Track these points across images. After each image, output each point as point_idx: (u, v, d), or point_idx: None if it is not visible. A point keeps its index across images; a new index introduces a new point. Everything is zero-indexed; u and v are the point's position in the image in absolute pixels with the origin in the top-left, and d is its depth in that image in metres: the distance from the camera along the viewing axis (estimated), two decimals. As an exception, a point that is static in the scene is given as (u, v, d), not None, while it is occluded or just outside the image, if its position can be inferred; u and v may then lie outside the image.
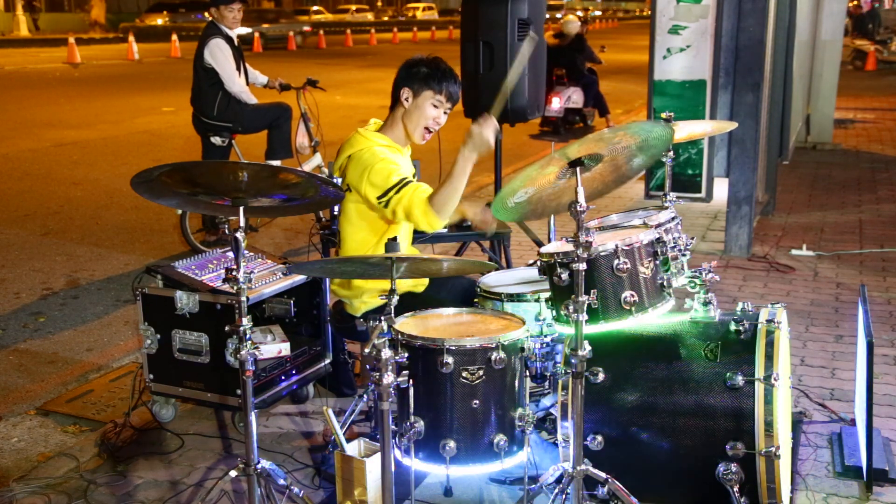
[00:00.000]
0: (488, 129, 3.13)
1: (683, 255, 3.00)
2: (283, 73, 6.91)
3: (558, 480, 2.76)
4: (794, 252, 6.07)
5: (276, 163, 6.43)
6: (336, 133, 6.42)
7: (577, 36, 12.31)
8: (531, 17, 4.61)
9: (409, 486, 2.81)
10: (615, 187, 2.95)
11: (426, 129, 3.44)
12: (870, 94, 16.21)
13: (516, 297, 3.27)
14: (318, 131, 6.70)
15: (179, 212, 6.26)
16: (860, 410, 3.31)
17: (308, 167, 6.50)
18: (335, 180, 3.64)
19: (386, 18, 55.21)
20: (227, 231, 6.38)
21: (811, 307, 5.03)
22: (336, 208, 4.25)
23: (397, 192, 3.24)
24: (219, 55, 6.16)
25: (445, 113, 3.46)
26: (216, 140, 6.27)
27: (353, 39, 33.28)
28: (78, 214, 7.74)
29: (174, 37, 27.25)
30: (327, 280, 3.87)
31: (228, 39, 6.23)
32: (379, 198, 3.29)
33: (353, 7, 55.50)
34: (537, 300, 3.22)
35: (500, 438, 2.77)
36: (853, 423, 3.57)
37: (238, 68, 6.28)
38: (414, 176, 3.43)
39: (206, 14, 6.42)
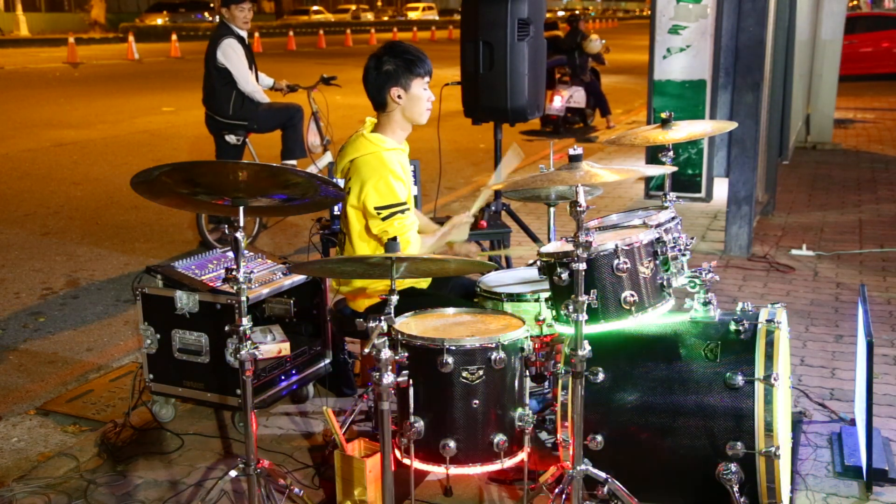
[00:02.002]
0: (465, 227, 3.66)
1: (683, 255, 3.00)
2: (283, 72, 6.93)
3: (558, 480, 2.76)
4: (794, 252, 6.07)
5: (293, 163, 6.55)
6: (338, 133, 6.44)
7: (576, 30, 12.31)
8: (531, 17, 4.61)
9: (409, 486, 2.81)
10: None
11: (427, 109, 3.51)
12: (870, 94, 16.21)
13: (516, 297, 3.27)
14: (329, 130, 6.77)
15: None
16: (860, 410, 3.31)
17: (320, 165, 6.57)
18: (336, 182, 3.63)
19: (386, 18, 55.24)
20: (226, 231, 6.42)
21: (811, 307, 5.03)
22: (336, 208, 4.25)
23: (402, 213, 3.32)
24: (232, 55, 6.22)
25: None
26: (231, 138, 6.35)
27: (353, 39, 33.29)
28: (78, 214, 7.74)
29: (174, 37, 27.25)
30: (328, 280, 3.87)
31: (240, 39, 6.30)
32: (379, 208, 3.30)
33: (353, 7, 55.56)
34: (537, 300, 3.22)
35: (500, 438, 2.77)
36: (853, 423, 3.57)
37: (249, 68, 6.34)
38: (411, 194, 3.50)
39: (206, 14, 6.46)
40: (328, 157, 6.73)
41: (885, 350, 4.36)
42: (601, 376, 2.81)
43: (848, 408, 3.74)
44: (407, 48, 3.43)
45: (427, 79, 3.45)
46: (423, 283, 3.60)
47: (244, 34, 6.34)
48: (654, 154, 5.97)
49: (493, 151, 5.02)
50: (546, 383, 3.42)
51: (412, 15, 56.29)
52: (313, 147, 6.72)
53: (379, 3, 63.34)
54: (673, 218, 3.08)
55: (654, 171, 3.20)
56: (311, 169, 6.54)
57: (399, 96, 3.39)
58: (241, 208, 2.64)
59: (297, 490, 2.93)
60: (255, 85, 6.31)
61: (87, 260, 6.40)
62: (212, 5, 41.27)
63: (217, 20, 6.41)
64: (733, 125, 3.68)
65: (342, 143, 3.55)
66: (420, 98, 3.42)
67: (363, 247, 3.44)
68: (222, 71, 6.23)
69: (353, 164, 3.39)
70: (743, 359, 2.80)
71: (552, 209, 3.86)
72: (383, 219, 3.30)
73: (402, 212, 3.32)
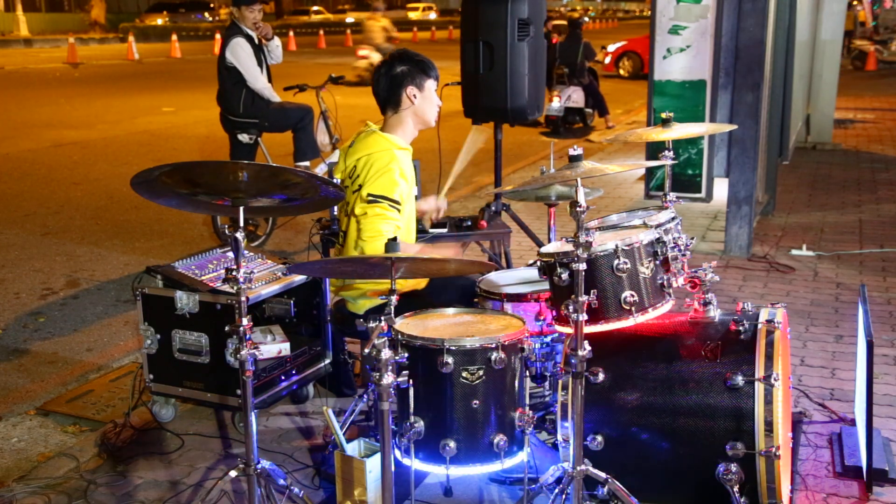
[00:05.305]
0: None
1: (683, 255, 3.00)
2: (284, 72, 6.96)
3: (558, 480, 2.76)
4: (794, 252, 6.07)
5: (306, 164, 6.64)
6: (346, 131, 6.46)
7: (576, 32, 12.32)
8: (531, 17, 4.61)
9: (409, 486, 2.81)
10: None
11: (436, 112, 3.63)
12: (870, 94, 16.20)
13: (516, 297, 3.27)
14: (338, 128, 6.84)
15: None
16: (860, 410, 3.31)
17: (329, 163, 6.62)
18: (336, 181, 3.64)
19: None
20: (225, 230, 6.44)
21: (811, 307, 5.03)
22: (336, 208, 4.25)
23: (390, 206, 3.36)
24: (240, 54, 6.32)
25: None
26: (243, 137, 6.45)
27: (353, 39, 33.28)
28: (78, 214, 7.74)
29: (174, 37, 27.23)
30: (327, 280, 3.87)
31: (249, 38, 6.39)
32: (372, 194, 3.36)
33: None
34: (537, 300, 3.22)
35: (500, 438, 2.77)
36: (853, 423, 3.57)
37: (259, 66, 6.42)
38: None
39: (206, 14, 6.53)
40: (337, 156, 6.79)
41: (885, 350, 4.36)
42: (601, 376, 2.81)
43: (848, 408, 3.74)
44: (416, 54, 3.56)
45: (436, 81, 3.57)
46: (422, 283, 3.60)
47: (254, 34, 6.45)
48: (654, 153, 5.97)
49: (493, 151, 5.02)
50: (546, 383, 3.42)
51: (412, 15, 56.26)
52: (322, 146, 6.87)
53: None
54: (673, 218, 3.08)
55: (654, 163, 3.29)
56: (321, 167, 6.59)
57: (414, 95, 3.49)
58: (241, 208, 2.64)
59: (297, 490, 2.93)
60: (264, 82, 6.41)
61: (87, 260, 6.40)
62: (212, 5, 41.25)
63: (216, 20, 6.49)
64: (731, 127, 3.70)
65: (348, 141, 3.58)
66: (431, 98, 3.54)
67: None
68: (232, 70, 6.34)
69: (363, 161, 3.42)
70: (743, 359, 2.80)
71: (552, 209, 3.87)
72: (368, 202, 3.36)
73: (390, 205, 3.37)
